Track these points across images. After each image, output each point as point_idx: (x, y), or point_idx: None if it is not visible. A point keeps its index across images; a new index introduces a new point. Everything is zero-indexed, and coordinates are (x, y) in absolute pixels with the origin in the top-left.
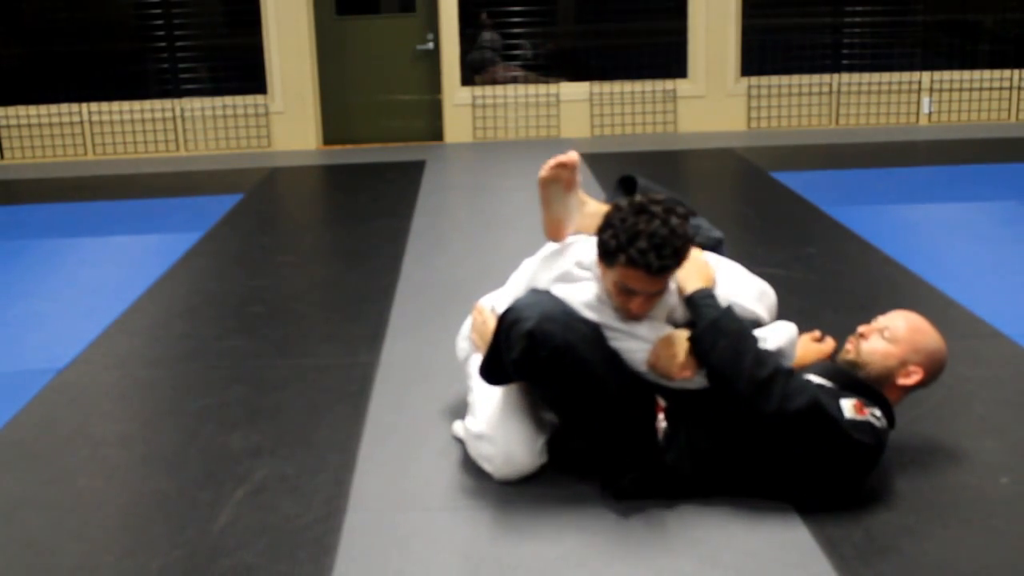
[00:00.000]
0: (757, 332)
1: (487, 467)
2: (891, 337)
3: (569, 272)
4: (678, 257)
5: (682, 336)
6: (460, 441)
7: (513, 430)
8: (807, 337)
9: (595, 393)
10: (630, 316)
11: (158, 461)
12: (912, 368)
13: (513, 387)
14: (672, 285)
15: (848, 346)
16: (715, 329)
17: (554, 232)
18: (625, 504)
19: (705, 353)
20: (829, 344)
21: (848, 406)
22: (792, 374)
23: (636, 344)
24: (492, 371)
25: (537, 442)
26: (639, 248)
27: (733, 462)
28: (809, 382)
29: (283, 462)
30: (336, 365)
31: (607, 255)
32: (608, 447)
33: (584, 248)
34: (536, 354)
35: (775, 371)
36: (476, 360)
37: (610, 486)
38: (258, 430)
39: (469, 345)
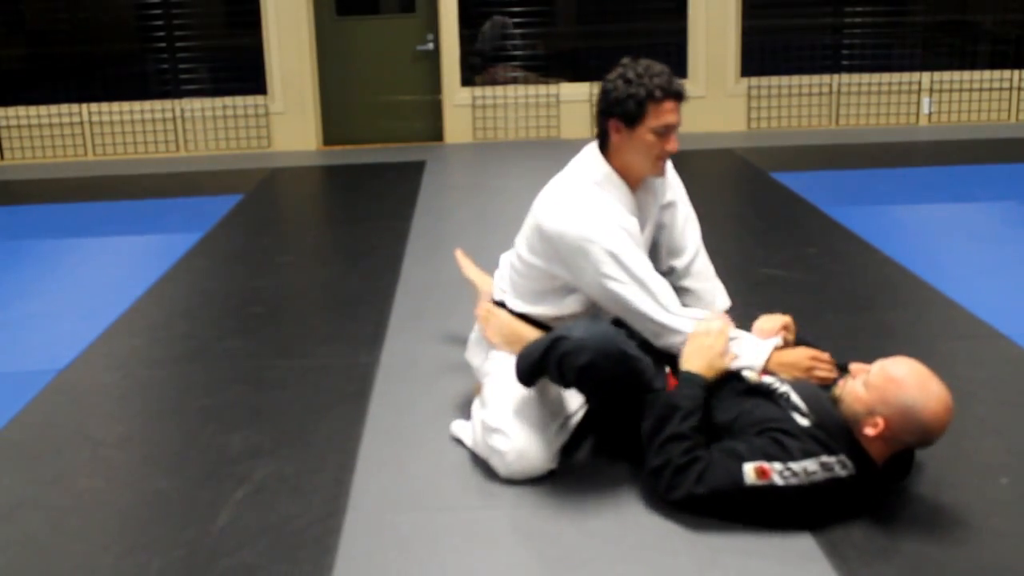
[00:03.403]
0: (738, 342)
1: (495, 461)
2: (866, 382)
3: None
4: None
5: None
6: (459, 441)
7: (530, 428)
8: (806, 356)
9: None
10: (666, 158)
11: (158, 461)
12: (877, 419)
13: (535, 386)
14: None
15: (840, 380)
16: (651, 404)
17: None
18: (625, 504)
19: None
20: (829, 375)
21: (750, 471)
22: (690, 464)
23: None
24: (528, 378)
25: (553, 445)
26: (662, 81)
27: None
28: (702, 470)
29: (283, 462)
30: (336, 365)
31: (638, 107)
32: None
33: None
34: (585, 383)
35: (666, 462)
36: (496, 354)
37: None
38: (258, 430)
39: (484, 346)
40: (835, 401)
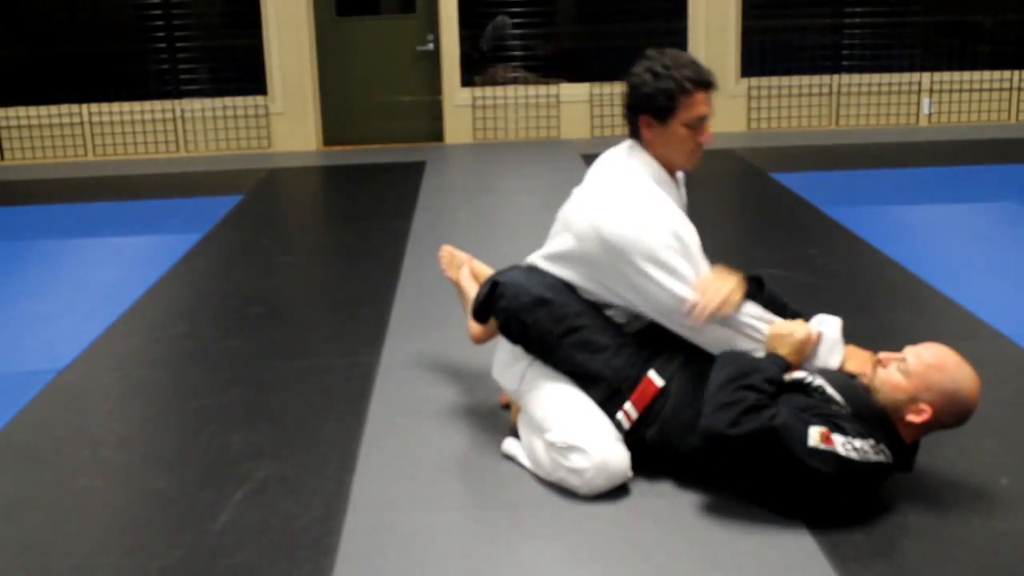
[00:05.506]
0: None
1: (574, 481)
2: (905, 370)
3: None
4: None
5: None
6: (510, 458)
7: (605, 436)
8: (872, 355)
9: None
10: (700, 149)
11: (158, 461)
12: (922, 406)
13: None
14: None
15: (868, 369)
16: (732, 357)
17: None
18: (625, 505)
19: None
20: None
21: (815, 434)
22: (764, 407)
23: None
24: (480, 315)
25: (625, 449)
26: (691, 72)
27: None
28: (776, 413)
29: (283, 463)
30: (336, 365)
31: (669, 100)
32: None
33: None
34: (511, 327)
35: (739, 399)
36: (539, 385)
37: None
38: (258, 431)
39: (519, 366)
40: (870, 390)
